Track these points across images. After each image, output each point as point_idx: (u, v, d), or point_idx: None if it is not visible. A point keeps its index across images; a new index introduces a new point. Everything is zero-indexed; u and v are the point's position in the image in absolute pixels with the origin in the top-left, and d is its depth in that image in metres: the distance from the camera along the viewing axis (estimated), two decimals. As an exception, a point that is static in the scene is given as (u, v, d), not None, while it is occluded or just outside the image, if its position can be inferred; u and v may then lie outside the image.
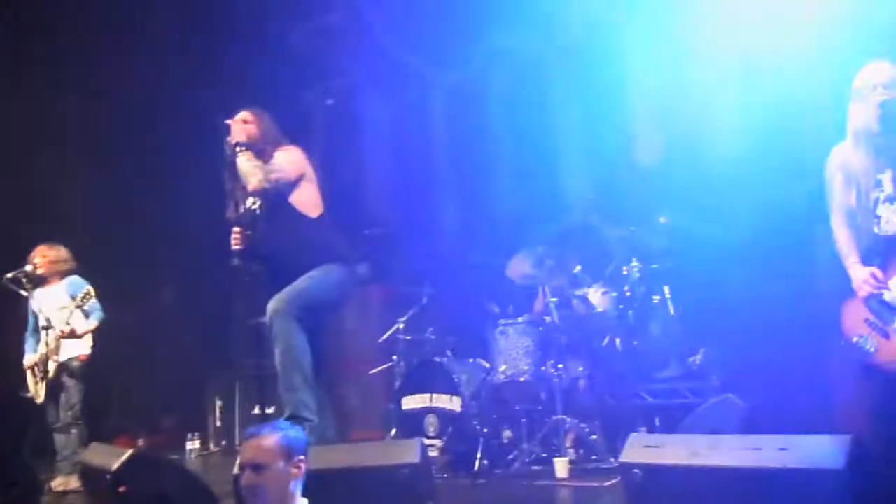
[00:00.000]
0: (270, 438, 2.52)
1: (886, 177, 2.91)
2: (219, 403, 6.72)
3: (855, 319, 3.00)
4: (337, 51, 7.92)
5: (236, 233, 3.90)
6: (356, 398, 6.10)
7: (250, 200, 3.98)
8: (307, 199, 3.95)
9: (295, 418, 3.71)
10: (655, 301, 5.47)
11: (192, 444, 6.54)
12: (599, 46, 6.63)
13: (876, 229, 2.97)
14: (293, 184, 3.91)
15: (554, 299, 4.84)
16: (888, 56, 3.11)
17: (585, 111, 6.71)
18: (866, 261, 2.99)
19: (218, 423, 6.69)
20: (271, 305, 3.82)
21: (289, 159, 3.93)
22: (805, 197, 5.62)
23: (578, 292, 5.22)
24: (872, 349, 2.92)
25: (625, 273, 5.29)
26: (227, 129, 3.92)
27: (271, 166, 3.85)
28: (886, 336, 2.89)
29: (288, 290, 3.82)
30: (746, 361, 5.02)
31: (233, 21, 7.42)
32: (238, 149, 3.85)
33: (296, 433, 2.62)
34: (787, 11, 5.51)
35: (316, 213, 3.96)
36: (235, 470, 3.05)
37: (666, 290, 5.48)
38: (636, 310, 5.24)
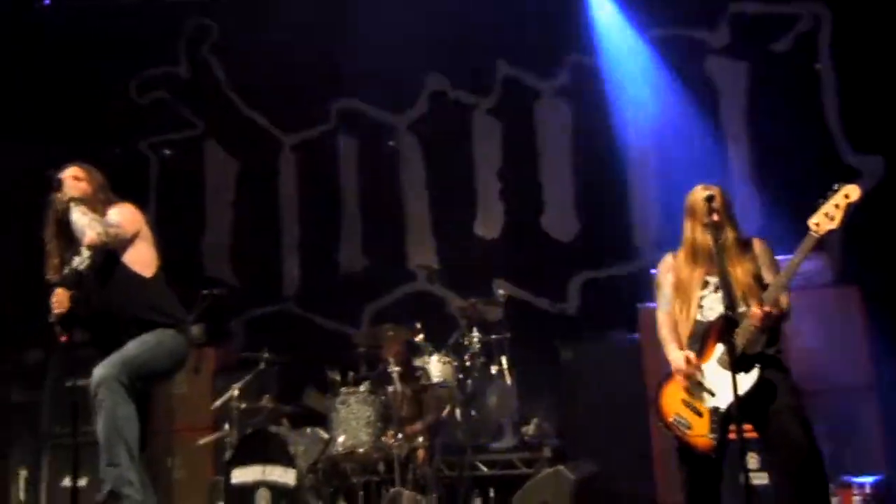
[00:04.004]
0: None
1: (713, 279, 3.22)
2: (23, 473, 6.05)
3: (673, 400, 3.25)
4: (179, 102, 7.67)
5: (59, 295, 3.62)
6: (181, 470, 5.71)
7: (76, 260, 3.72)
8: (141, 258, 3.78)
9: (116, 496, 3.46)
10: (493, 371, 5.61)
11: (-12, 520, 5.86)
12: (449, 121, 6.88)
13: (699, 316, 3.26)
14: (129, 241, 3.73)
15: (396, 368, 4.83)
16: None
17: (433, 181, 6.90)
18: (687, 346, 3.26)
19: (22, 496, 6.01)
20: (97, 372, 3.56)
21: (125, 216, 3.76)
22: (627, 279, 6.13)
23: (420, 361, 5.25)
24: (687, 428, 3.17)
25: (465, 343, 5.39)
26: (58, 184, 3.69)
27: (109, 220, 3.67)
28: (699, 414, 3.17)
29: (116, 357, 3.58)
30: (577, 434, 5.24)
31: (68, 65, 7.02)
32: (72, 203, 3.63)
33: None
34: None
35: (150, 273, 3.78)
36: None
37: (504, 360, 5.64)
38: (475, 380, 5.34)
